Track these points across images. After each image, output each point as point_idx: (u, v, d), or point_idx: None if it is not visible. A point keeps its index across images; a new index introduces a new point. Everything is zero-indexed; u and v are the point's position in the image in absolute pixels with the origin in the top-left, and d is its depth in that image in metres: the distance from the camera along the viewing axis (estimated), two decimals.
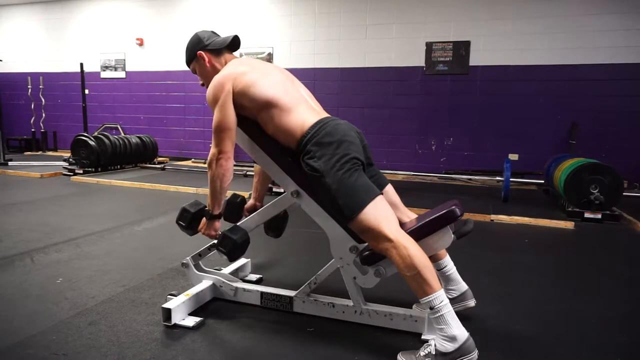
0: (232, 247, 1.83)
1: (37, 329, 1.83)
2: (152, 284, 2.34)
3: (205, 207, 1.94)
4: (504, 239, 3.51)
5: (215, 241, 1.94)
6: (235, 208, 2.13)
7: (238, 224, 2.01)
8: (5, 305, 2.05)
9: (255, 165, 2.28)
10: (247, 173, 6.21)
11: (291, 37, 7.38)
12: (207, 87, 1.99)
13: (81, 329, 1.83)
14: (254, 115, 1.82)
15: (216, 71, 1.91)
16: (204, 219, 1.93)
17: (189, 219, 1.96)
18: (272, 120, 1.78)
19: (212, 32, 2.01)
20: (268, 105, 1.77)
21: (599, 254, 3.16)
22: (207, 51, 1.95)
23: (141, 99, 8.52)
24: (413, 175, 6.20)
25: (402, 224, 1.74)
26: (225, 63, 1.95)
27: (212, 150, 1.79)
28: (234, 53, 2.03)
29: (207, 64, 1.95)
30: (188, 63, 2.02)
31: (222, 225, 1.95)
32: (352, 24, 7.02)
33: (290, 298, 2.00)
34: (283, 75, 1.91)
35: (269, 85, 1.79)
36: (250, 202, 2.25)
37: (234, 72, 1.82)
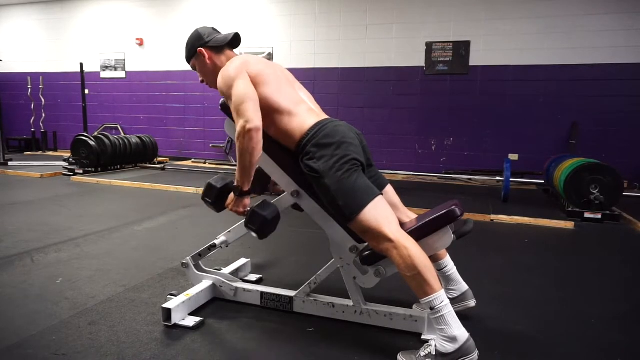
0: (262, 223, 1.76)
1: (37, 329, 1.83)
2: (152, 284, 2.34)
3: (232, 182, 1.85)
4: (504, 239, 3.51)
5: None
6: (262, 177, 1.99)
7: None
8: (5, 305, 2.05)
9: None
10: None
11: (291, 37, 7.38)
12: (207, 84, 1.99)
13: (81, 329, 1.83)
14: None
15: (217, 68, 1.89)
16: (232, 194, 1.83)
17: (216, 195, 1.86)
18: (273, 123, 1.78)
19: (213, 28, 1.99)
20: (269, 109, 1.76)
21: (599, 254, 3.16)
22: (208, 48, 1.92)
23: (141, 99, 8.52)
24: (413, 175, 6.20)
25: (402, 224, 1.74)
26: (227, 60, 1.94)
27: (240, 123, 1.67)
28: (234, 51, 2.02)
29: (208, 61, 1.92)
30: (188, 59, 1.99)
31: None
32: (352, 24, 7.02)
33: (290, 298, 2.00)
34: (283, 76, 1.91)
35: (271, 89, 1.78)
36: None
37: (247, 60, 1.81)
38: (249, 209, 1.81)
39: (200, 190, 5.00)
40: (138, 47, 8.40)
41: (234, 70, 1.76)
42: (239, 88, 1.71)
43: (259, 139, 1.67)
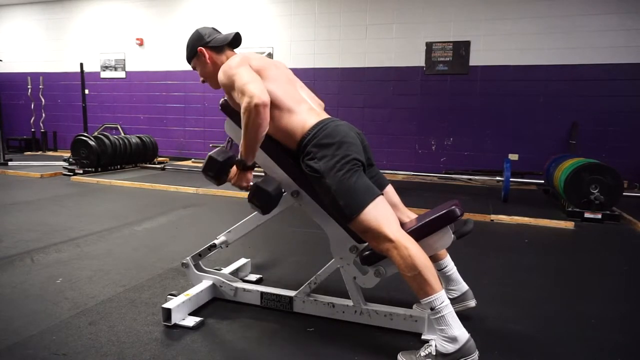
0: (266, 199, 1.75)
1: (37, 329, 1.83)
2: (152, 284, 2.34)
3: (234, 156, 1.83)
4: (504, 239, 3.50)
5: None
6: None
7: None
8: (5, 305, 2.05)
9: None
10: None
11: (291, 37, 7.38)
12: (209, 84, 1.99)
13: (81, 329, 1.83)
14: None
15: (217, 68, 1.89)
16: (234, 168, 1.81)
17: (217, 169, 1.81)
18: (273, 121, 1.77)
19: (213, 28, 1.99)
20: (270, 104, 1.76)
21: (599, 254, 3.16)
22: (208, 48, 1.92)
23: (141, 99, 8.52)
24: (413, 175, 6.19)
25: (402, 224, 1.74)
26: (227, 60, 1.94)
27: (245, 99, 1.64)
28: (235, 51, 2.02)
29: (208, 61, 1.93)
30: (189, 60, 1.99)
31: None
32: (352, 24, 7.02)
33: (290, 298, 2.00)
34: (284, 75, 1.90)
35: (272, 85, 1.78)
36: None
37: (248, 57, 1.81)
38: (252, 183, 1.79)
39: (201, 190, 5.02)
40: (138, 47, 8.40)
41: (235, 63, 1.77)
42: (242, 73, 1.71)
43: (265, 115, 1.65)
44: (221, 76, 1.79)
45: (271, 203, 1.77)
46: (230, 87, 1.76)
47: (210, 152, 1.85)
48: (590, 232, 3.73)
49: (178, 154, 8.35)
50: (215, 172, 1.82)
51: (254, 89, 1.63)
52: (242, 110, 1.65)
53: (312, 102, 1.91)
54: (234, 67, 1.75)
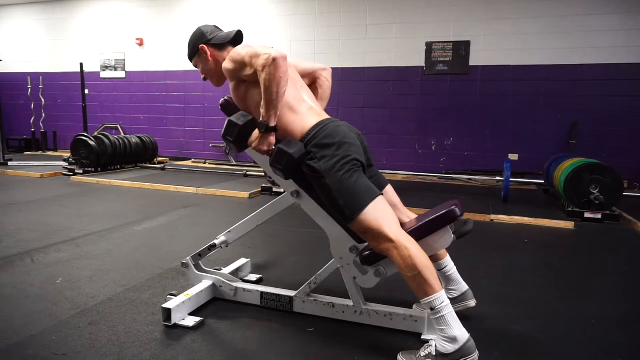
0: (288, 161, 1.67)
1: (37, 329, 1.83)
2: (152, 284, 2.34)
3: (254, 119, 1.78)
4: (504, 239, 3.50)
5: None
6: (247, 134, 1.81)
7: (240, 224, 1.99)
8: (5, 305, 2.05)
9: None
10: (247, 173, 6.21)
11: (291, 37, 7.38)
12: (210, 81, 1.99)
13: (81, 329, 1.83)
14: (255, 112, 1.81)
15: (219, 66, 1.90)
16: (256, 131, 1.73)
17: (237, 133, 1.75)
18: None
19: (215, 26, 1.99)
20: None
21: (599, 254, 3.16)
22: (210, 46, 1.92)
23: (141, 99, 8.51)
24: (413, 175, 6.20)
25: (402, 224, 1.74)
26: None
27: (262, 57, 1.61)
28: None
29: (210, 58, 1.93)
30: (190, 57, 1.99)
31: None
32: (352, 24, 7.01)
33: (290, 298, 2.00)
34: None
35: None
36: None
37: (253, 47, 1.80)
38: (274, 147, 1.71)
39: (201, 190, 5.02)
40: (138, 47, 8.40)
41: (241, 48, 1.77)
42: (250, 50, 1.70)
43: (285, 68, 1.61)
44: (227, 63, 1.78)
45: (293, 167, 1.69)
46: (238, 69, 1.74)
47: (230, 117, 1.80)
48: (590, 232, 3.73)
49: (178, 154, 8.34)
50: (235, 136, 1.76)
51: (269, 50, 1.62)
52: (259, 69, 1.62)
53: (311, 102, 1.91)
54: (242, 49, 1.76)
